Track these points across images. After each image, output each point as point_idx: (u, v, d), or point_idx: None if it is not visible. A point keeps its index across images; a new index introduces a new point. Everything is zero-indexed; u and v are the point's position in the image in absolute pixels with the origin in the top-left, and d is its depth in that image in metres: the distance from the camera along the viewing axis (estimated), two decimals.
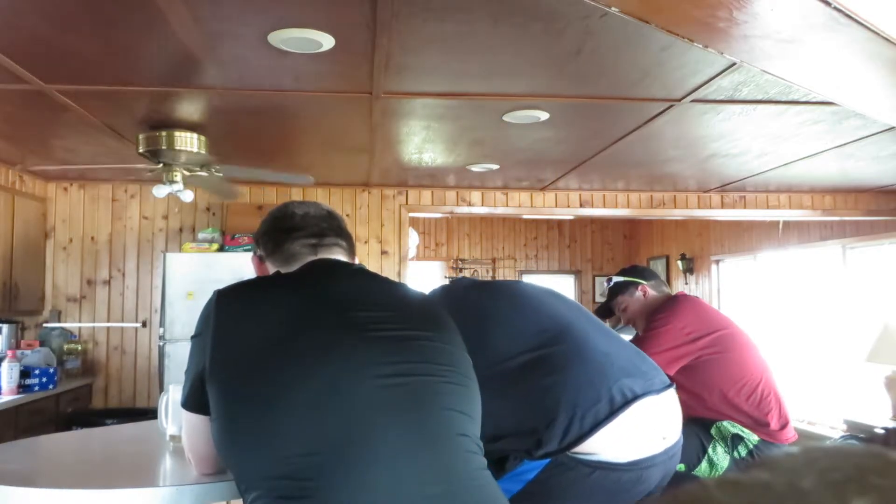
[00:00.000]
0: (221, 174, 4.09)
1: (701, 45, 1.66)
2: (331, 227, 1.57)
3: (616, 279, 2.99)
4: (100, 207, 5.54)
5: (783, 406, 2.66)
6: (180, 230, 5.60)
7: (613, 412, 1.70)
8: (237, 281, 1.41)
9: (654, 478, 1.76)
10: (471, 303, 1.95)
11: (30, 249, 5.14)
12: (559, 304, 2.02)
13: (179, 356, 4.67)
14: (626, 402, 1.72)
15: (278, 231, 1.55)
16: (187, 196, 4.09)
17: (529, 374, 1.79)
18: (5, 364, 4.35)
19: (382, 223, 5.65)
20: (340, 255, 1.55)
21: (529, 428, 1.73)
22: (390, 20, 2.33)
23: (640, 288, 2.91)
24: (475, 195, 5.69)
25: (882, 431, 4.70)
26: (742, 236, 7.11)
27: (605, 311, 3.07)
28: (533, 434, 1.72)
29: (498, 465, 1.77)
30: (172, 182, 3.88)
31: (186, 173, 3.94)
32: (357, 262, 1.61)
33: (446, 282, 2.27)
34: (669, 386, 1.88)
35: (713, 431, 2.59)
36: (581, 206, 5.77)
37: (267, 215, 1.62)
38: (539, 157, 4.47)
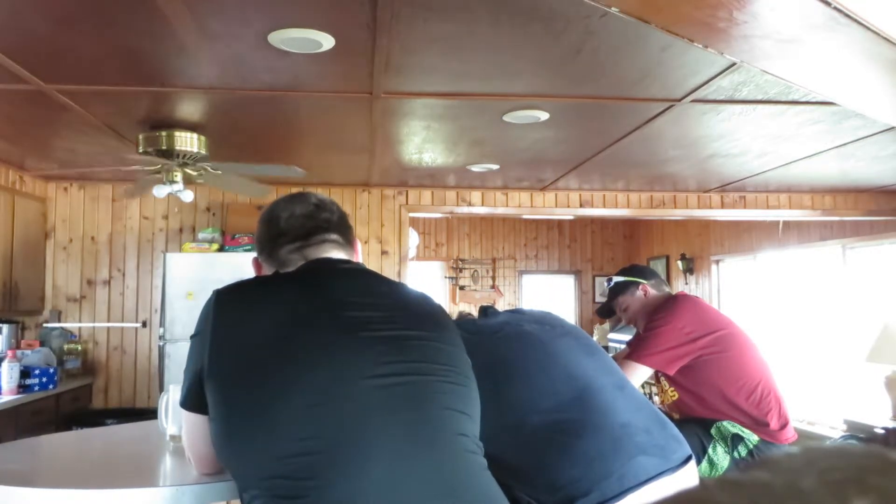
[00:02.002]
0: (220, 171, 4.09)
1: (701, 45, 1.66)
2: (317, 224, 1.50)
3: (616, 279, 2.98)
4: (100, 207, 5.54)
5: (783, 406, 2.66)
6: (180, 230, 5.60)
7: (623, 492, 1.61)
8: (237, 281, 1.41)
9: None
10: (493, 349, 1.85)
11: (30, 249, 5.14)
12: (582, 356, 1.90)
13: (179, 356, 4.67)
14: (638, 484, 1.63)
15: (268, 239, 1.52)
16: (187, 196, 4.09)
17: (541, 436, 1.70)
18: (5, 364, 4.35)
19: (382, 223, 5.65)
20: (332, 251, 1.49)
21: (528, 479, 1.66)
22: (390, 20, 2.33)
23: (640, 287, 2.90)
24: (475, 195, 5.69)
25: (882, 431, 4.70)
26: (742, 236, 7.11)
27: (605, 311, 3.07)
28: (529, 485, 1.66)
29: None
30: (172, 182, 3.88)
31: (193, 173, 3.94)
32: (359, 249, 1.58)
33: (472, 315, 2.19)
34: (688, 459, 1.78)
35: (713, 431, 2.59)
36: (581, 206, 5.77)
37: (260, 217, 1.58)
38: (539, 157, 4.47)
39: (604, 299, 3.10)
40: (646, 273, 2.97)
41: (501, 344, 1.89)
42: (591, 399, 1.76)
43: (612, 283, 2.99)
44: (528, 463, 1.68)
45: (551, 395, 1.76)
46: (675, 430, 1.84)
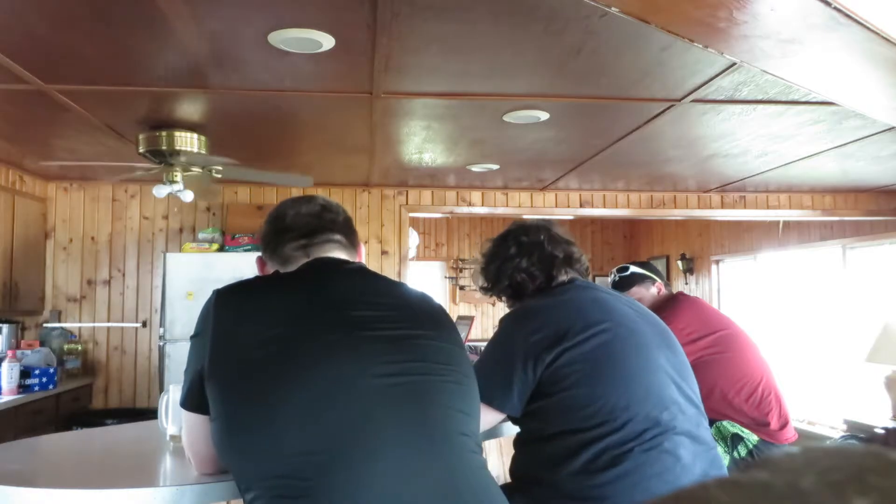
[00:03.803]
0: (221, 175, 4.09)
1: (701, 45, 1.66)
2: (322, 224, 1.52)
3: (635, 269, 2.94)
4: (100, 207, 5.54)
5: (783, 406, 2.66)
6: (180, 230, 5.60)
7: None
8: (237, 280, 1.41)
9: None
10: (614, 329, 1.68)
11: (30, 249, 5.14)
12: (674, 378, 1.69)
13: (179, 356, 4.67)
14: None
15: (273, 234, 1.54)
16: (187, 196, 4.09)
17: (611, 450, 1.57)
18: (5, 364, 4.35)
19: (382, 223, 5.65)
20: (336, 251, 1.51)
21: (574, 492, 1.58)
22: (390, 20, 2.33)
23: (656, 284, 2.90)
24: (475, 195, 5.69)
25: (882, 431, 4.70)
26: (742, 236, 7.11)
27: None
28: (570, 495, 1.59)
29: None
30: (172, 182, 3.88)
31: (197, 171, 3.94)
32: (363, 251, 1.60)
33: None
34: None
35: (713, 431, 2.59)
36: (581, 206, 5.77)
37: (266, 216, 1.61)
38: (539, 157, 4.47)
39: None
40: (658, 273, 2.97)
41: (618, 332, 1.69)
42: (670, 432, 1.60)
43: (629, 272, 2.94)
44: (583, 475, 1.57)
45: (640, 412, 1.59)
46: (725, 472, 1.78)
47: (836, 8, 1.34)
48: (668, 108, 3.31)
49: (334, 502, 1.15)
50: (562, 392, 1.62)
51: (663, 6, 1.48)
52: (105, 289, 5.51)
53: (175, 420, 1.77)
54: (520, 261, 1.85)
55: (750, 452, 2.55)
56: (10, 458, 1.80)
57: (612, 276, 2.99)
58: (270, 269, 1.55)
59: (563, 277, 1.84)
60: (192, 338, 1.36)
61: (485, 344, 1.88)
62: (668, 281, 3.06)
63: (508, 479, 1.74)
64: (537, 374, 1.63)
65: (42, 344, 5.11)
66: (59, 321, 5.42)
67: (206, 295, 1.37)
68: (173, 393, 1.76)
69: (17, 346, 4.85)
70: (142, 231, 5.57)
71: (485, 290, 1.96)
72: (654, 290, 2.89)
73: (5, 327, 4.82)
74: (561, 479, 1.59)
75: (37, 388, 4.51)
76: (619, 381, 1.62)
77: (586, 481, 1.56)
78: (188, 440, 1.44)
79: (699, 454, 1.63)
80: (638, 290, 2.89)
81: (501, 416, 1.71)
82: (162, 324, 4.88)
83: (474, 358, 1.71)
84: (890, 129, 3.58)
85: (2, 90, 3.10)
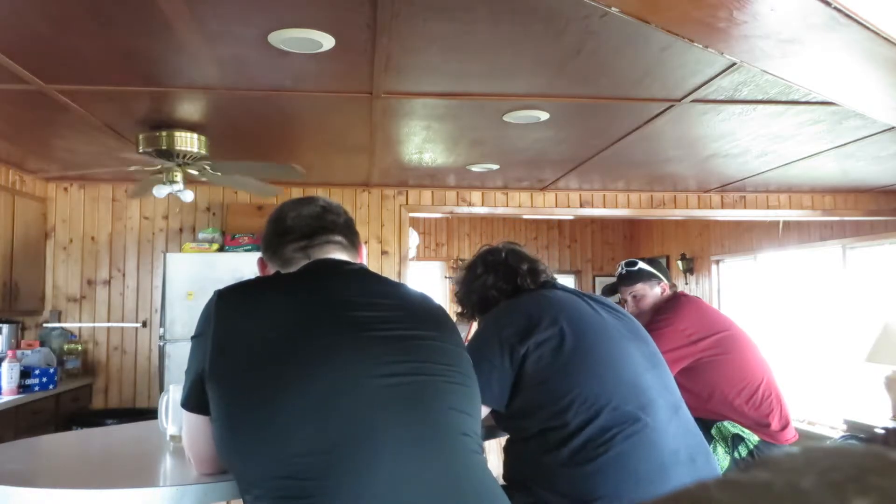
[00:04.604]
0: (219, 172, 4.09)
1: (701, 45, 1.66)
2: (322, 225, 1.51)
3: (643, 265, 2.90)
4: (100, 207, 5.54)
5: (784, 406, 2.66)
6: (180, 230, 5.60)
7: None
8: (237, 281, 1.41)
9: None
10: (575, 325, 1.72)
11: (30, 249, 5.14)
12: (647, 367, 1.75)
13: (179, 356, 4.67)
14: None
15: (274, 236, 1.53)
16: (187, 196, 4.09)
17: (595, 439, 1.60)
18: (5, 364, 4.35)
19: (382, 223, 5.65)
20: (337, 252, 1.50)
21: (560, 482, 1.62)
22: (390, 20, 2.33)
23: (661, 284, 2.87)
24: (475, 195, 5.69)
25: (882, 431, 4.70)
26: (742, 236, 7.11)
27: (611, 290, 2.98)
28: (558, 488, 1.62)
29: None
30: (172, 182, 3.88)
31: (195, 173, 3.94)
32: (364, 253, 1.59)
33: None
34: None
35: (714, 432, 2.59)
36: (581, 206, 5.77)
37: (268, 217, 1.60)
38: (539, 157, 4.47)
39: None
40: (666, 273, 2.94)
41: (585, 325, 1.76)
42: (649, 418, 1.65)
43: (636, 267, 2.89)
44: (571, 467, 1.61)
45: (614, 400, 1.64)
46: (714, 459, 1.82)
47: (836, 8, 1.34)
48: (668, 108, 3.31)
49: (337, 503, 1.15)
50: (537, 386, 1.68)
51: (663, 6, 1.49)
52: (105, 289, 5.51)
53: (175, 420, 1.77)
54: (487, 277, 1.97)
55: (751, 453, 2.55)
56: (10, 458, 1.80)
57: (619, 268, 2.96)
58: (272, 271, 1.54)
59: (531, 288, 1.94)
60: (193, 338, 1.36)
61: None
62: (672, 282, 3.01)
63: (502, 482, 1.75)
64: (514, 365, 1.70)
65: (42, 344, 5.11)
66: (59, 321, 5.42)
67: (207, 295, 1.37)
68: (173, 393, 1.76)
69: (17, 346, 4.85)
70: (142, 231, 5.57)
71: (461, 315, 2.07)
72: (659, 289, 2.86)
73: (5, 327, 4.82)
74: (550, 473, 1.63)
75: (37, 388, 4.51)
76: (590, 371, 1.68)
77: (574, 472, 1.60)
78: (188, 440, 1.44)
79: (681, 437, 1.68)
80: (642, 288, 2.85)
81: (486, 410, 1.75)
82: (162, 324, 4.88)
83: None
84: (890, 129, 3.58)
85: (2, 90, 3.10)
